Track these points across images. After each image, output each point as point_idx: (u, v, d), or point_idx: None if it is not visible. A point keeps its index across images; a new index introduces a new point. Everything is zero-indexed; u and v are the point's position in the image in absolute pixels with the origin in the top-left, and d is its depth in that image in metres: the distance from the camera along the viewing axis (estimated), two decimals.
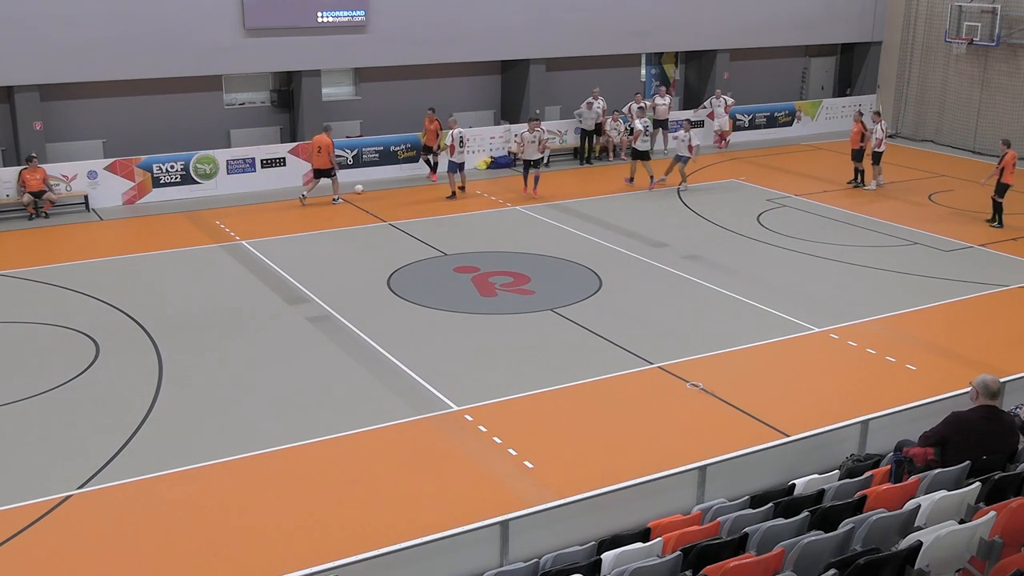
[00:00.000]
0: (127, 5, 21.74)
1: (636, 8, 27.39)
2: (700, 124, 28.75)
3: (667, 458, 10.46)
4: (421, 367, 13.22)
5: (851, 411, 11.02)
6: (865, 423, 10.10)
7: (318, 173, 21.87)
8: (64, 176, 21.35)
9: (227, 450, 11.05)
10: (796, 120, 30.70)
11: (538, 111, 26.52)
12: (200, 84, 23.69)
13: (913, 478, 8.04)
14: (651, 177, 23.43)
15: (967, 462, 8.07)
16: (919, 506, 7.21)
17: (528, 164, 22.72)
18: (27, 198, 20.64)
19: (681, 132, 23.53)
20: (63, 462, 10.85)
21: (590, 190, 23.29)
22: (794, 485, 8.66)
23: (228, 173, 22.94)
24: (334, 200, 21.87)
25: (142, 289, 16.37)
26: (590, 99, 26.17)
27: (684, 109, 29.08)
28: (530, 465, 10.78)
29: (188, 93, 23.66)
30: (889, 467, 8.78)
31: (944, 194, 22.97)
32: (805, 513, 7.34)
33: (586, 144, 26.31)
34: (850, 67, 32.84)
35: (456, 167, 22.38)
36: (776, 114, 30.33)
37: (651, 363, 13.44)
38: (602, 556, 7.05)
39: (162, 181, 22.30)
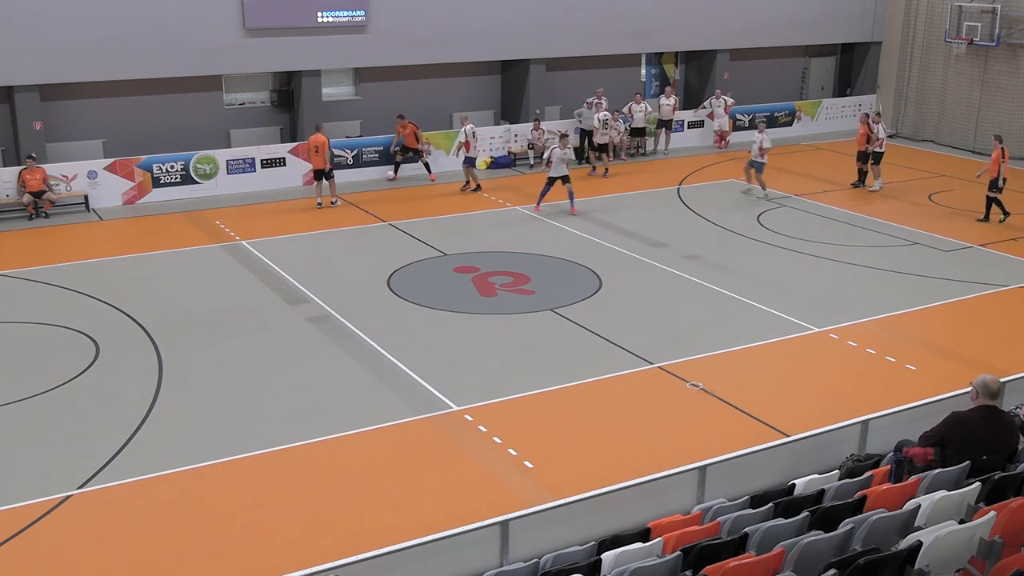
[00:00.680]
0: (127, 5, 21.75)
1: (636, 8, 27.39)
2: (700, 124, 28.81)
3: (667, 458, 10.46)
4: (421, 367, 13.22)
5: (851, 411, 11.02)
6: (865, 423, 10.10)
7: (318, 174, 21.76)
8: (64, 176, 21.36)
9: (227, 450, 11.05)
10: (796, 120, 30.71)
11: (538, 111, 26.55)
12: (200, 84, 23.69)
13: (913, 478, 8.04)
14: (605, 169, 24.89)
15: (967, 462, 8.07)
16: (919, 506, 7.21)
17: (553, 180, 21.18)
18: (27, 198, 20.64)
19: (756, 134, 22.63)
20: (63, 462, 10.85)
21: (590, 190, 23.28)
22: (794, 485, 8.67)
23: (228, 173, 22.95)
24: (332, 203, 21.77)
25: (142, 289, 16.37)
26: (591, 99, 26.16)
27: (684, 109, 29.06)
28: (530, 465, 10.78)
29: (188, 93, 23.67)
30: (889, 467, 8.78)
31: (944, 194, 22.97)
32: (805, 513, 7.34)
33: (585, 144, 26.28)
34: (850, 67, 32.85)
35: (472, 162, 22.89)
36: (776, 114, 30.33)
37: (651, 363, 13.44)
38: (602, 556, 7.05)
39: (162, 181, 22.31)
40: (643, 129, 27.13)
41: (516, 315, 15.26)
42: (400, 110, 24.80)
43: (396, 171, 24.33)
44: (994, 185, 20.41)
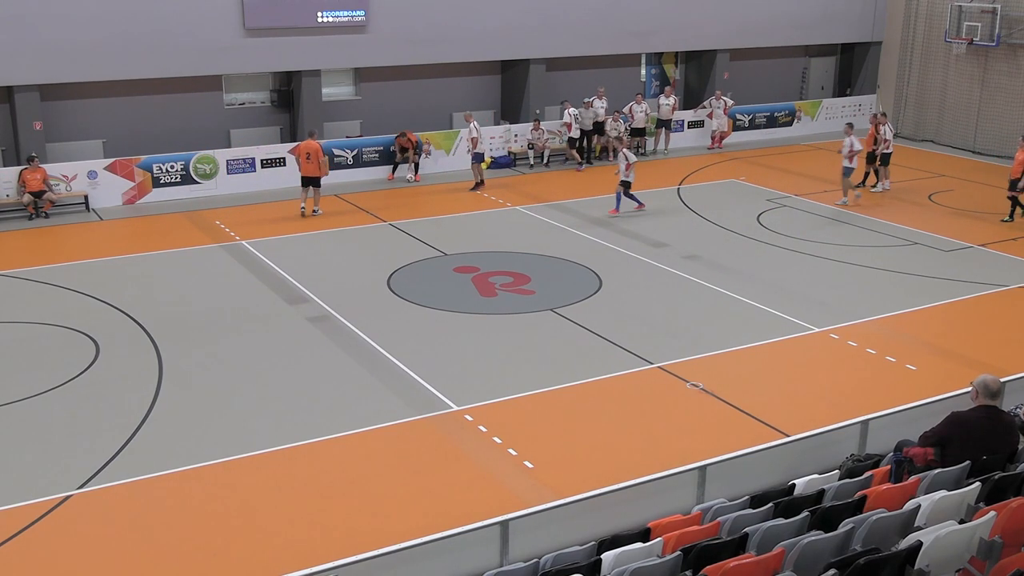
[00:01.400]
0: (127, 5, 21.75)
1: (636, 8, 27.39)
2: (700, 124, 28.81)
3: (667, 458, 10.46)
4: (421, 367, 13.22)
5: (851, 411, 11.02)
6: (865, 423, 10.10)
7: (305, 180, 20.69)
8: (64, 176, 21.36)
9: (227, 450, 11.05)
10: (796, 120, 30.71)
11: (538, 111, 26.55)
12: (200, 84, 23.69)
13: (913, 478, 8.03)
14: (579, 163, 25.31)
15: (967, 462, 8.07)
16: (919, 506, 7.21)
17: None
18: (27, 198, 20.64)
19: (845, 138, 21.77)
20: (63, 462, 10.85)
21: (590, 190, 23.28)
22: (794, 485, 8.66)
23: (228, 173, 22.95)
24: (315, 211, 20.81)
25: (142, 289, 16.37)
26: (590, 99, 26.17)
27: (684, 109, 29.06)
28: (530, 465, 10.78)
29: (188, 93, 23.67)
30: (889, 467, 8.78)
31: (944, 194, 22.96)
32: (805, 513, 7.34)
33: (584, 144, 26.28)
34: (850, 67, 32.84)
35: (481, 158, 23.05)
36: (776, 114, 30.34)
37: (651, 363, 13.44)
38: (602, 556, 7.05)
39: (162, 181, 22.31)
40: (643, 129, 27.13)
41: (516, 315, 15.26)
42: (400, 110, 24.84)
43: (395, 171, 24.33)
44: (1015, 185, 20.34)
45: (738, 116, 29.25)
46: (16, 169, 20.91)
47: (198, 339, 14.29)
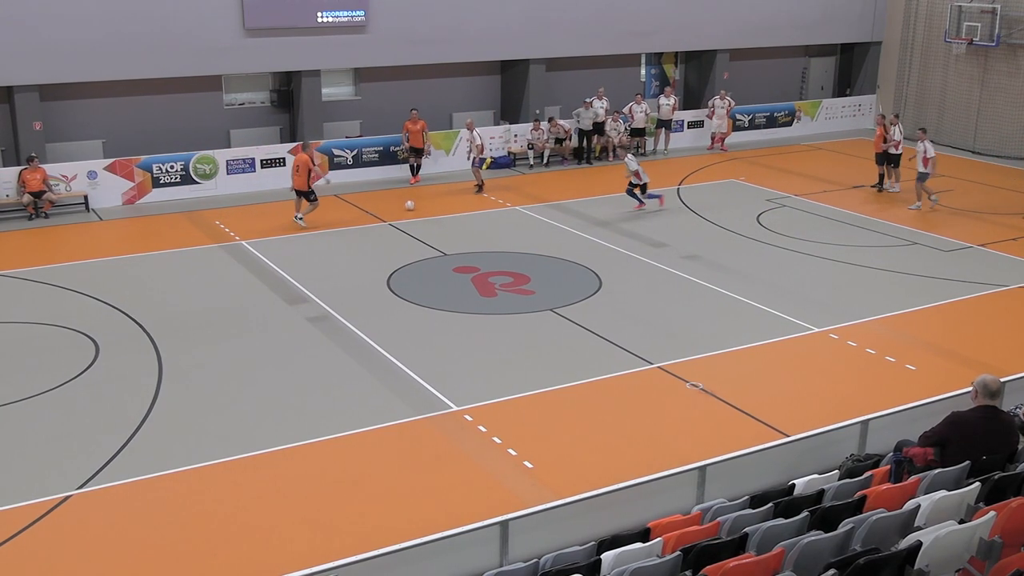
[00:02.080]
0: (127, 5, 21.74)
1: (636, 8, 27.39)
2: (700, 124, 28.79)
3: (667, 458, 10.46)
4: (421, 367, 13.22)
5: (851, 411, 11.01)
6: (865, 423, 10.10)
7: (299, 193, 20.02)
8: (64, 176, 21.35)
9: (227, 450, 11.05)
10: (796, 120, 30.70)
11: (538, 111, 26.55)
12: (200, 84, 23.69)
13: (913, 478, 8.03)
14: (562, 159, 25.68)
15: (967, 462, 8.07)
16: (919, 506, 7.21)
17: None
18: (27, 198, 20.64)
19: (918, 145, 21.54)
20: (63, 462, 10.85)
21: (590, 190, 23.28)
22: (794, 485, 8.66)
23: (228, 173, 22.95)
24: (297, 217, 20.04)
25: (142, 289, 16.37)
26: (590, 99, 26.17)
27: (684, 109, 29.06)
28: (530, 465, 10.78)
29: (188, 93, 23.66)
30: (889, 467, 8.77)
31: (944, 194, 22.95)
32: (805, 513, 7.34)
33: (584, 144, 26.29)
34: (850, 67, 32.84)
35: (482, 162, 22.98)
36: (776, 114, 30.34)
37: (651, 363, 13.44)
38: (602, 556, 7.05)
39: (162, 181, 22.30)
40: (643, 129, 27.13)
41: (516, 315, 15.26)
42: (400, 110, 24.81)
43: (416, 172, 24.10)
44: None
45: (738, 116, 29.23)
46: (16, 169, 20.90)
47: (198, 339, 14.29)
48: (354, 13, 23.94)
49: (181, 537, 9.48)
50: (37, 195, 20.69)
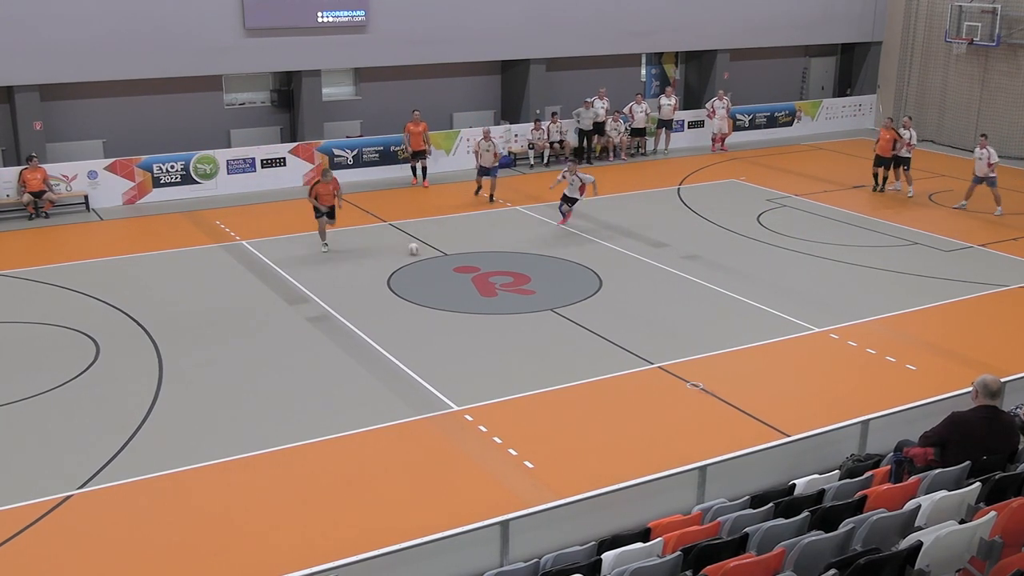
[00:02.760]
0: (127, 5, 21.74)
1: (636, 8, 27.39)
2: (700, 124, 28.79)
3: (667, 458, 10.45)
4: (421, 367, 13.22)
5: (851, 411, 11.01)
6: (865, 423, 10.10)
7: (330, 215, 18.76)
8: (64, 176, 21.36)
9: (227, 450, 11.05)
10: (796, 120, 30.70)
11: (538, 111, 26.55)
12: (200, 84, 23.69)
13: (913, 478, 8.03)
14: (542, 153, 25.22)
15: (967, 462, 8.07)
16: (919, 506, 7.21)
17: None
18: (27, 198, 20.64)
19: (977, 149, 21.37)
20: (63, 462, 10.85)
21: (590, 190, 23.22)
22: (794, 485, 8.66)
23: (228, 173, 22.95)
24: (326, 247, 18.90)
25: (142, 289, 16.36)
26: (591, 98, 26.16)
27: (684, 109, 29.05)
28: (530, 465, 10.78)
29: (188, 93, 23.66)
30: (889, 467, 8.77)
31: (944, 194, 22.96)
32: (805, 513, 7.33)
33: (584, 144, 26.28)
34: (850, 67, 32.84)
35: (486, 171, 22.23)
36: (776, 114, 30.34)
37: (651, 363, 13.43)
38: (602, 556, 7.05)
39: (162, 181, 22.31)
40: (643, 129, 27.13)
41: (516, 315, 15.26)
42: (400, 110, 24.80)
43: (423, 175, 23.82)
44: None
45: (738, 116, 29.24)
46: (16, 169, 20.91)
47: (198, 339, 14.29)
48: (354, 13, 23.94)
49: (181, 537, 9.48)
50: (37, 195, 20.69)
